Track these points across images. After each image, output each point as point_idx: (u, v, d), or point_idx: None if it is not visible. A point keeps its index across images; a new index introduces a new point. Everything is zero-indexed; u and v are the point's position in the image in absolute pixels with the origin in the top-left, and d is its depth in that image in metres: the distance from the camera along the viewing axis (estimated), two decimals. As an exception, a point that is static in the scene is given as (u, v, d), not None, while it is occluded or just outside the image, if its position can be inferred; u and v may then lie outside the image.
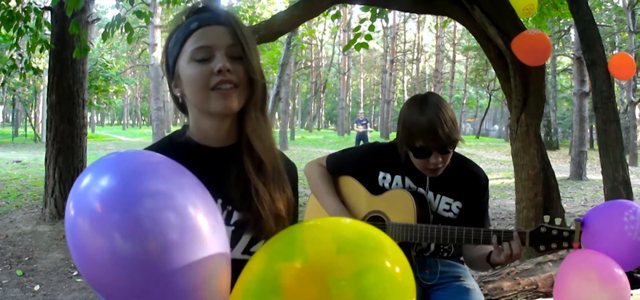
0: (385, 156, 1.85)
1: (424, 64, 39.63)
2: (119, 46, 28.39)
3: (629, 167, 4.66)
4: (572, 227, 1.55)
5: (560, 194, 4.16)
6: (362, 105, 38.84)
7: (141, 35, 19.01)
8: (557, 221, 1.58)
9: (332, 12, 6.09)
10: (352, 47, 5.08)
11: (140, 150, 0.91)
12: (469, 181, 1.81)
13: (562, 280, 1.51)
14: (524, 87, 3.58)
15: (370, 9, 5.06)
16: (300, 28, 13.48)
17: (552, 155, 10.52)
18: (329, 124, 51.55)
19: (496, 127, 33.12)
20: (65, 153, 6.02)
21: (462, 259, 1.90)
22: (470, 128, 31.63)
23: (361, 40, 4.97)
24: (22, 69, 5.84)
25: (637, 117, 14.97)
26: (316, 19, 15.11)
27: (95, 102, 18.85)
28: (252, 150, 1.10)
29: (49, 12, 6.00)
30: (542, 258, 2.59)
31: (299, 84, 37.71)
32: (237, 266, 0.92)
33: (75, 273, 4.43)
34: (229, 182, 1.10)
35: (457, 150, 1.77)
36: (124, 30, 4.72)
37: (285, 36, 12.24)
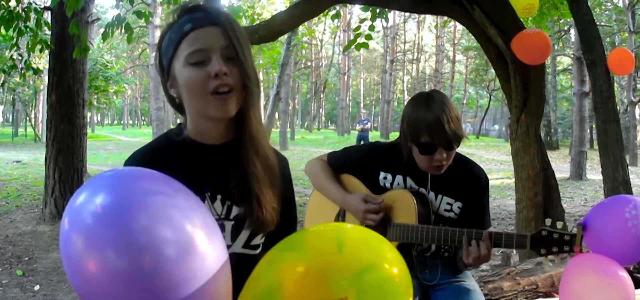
0: (387, 156, 1.85)
1: (424, 64, 39.63)
2: (119, 46, 28.39)
3: (629, 167, 4.67)
4: (573, 231, 1.55)
5: (560, 194, 4.16)
6: (362, 105, 38.85)
7: (141, 35, 19.00)
8: (559, 224, 1.58)
9: (332, 12, 6.10)
10: (352, 47, 5.08)
11: (135, 167, 0.91)
12: (470, 181, 1.81)
13: (566, 284, 1.51)
14: (524, 87, 3.59)
15: (370, 9, 5.06)
16: (300, 28, 13.48)
17: (552, 155, 10.52)
18: (329, 124, 51.55)
19: (496, 127, 33.12)
20: (65, 153, 6.02)
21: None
22: (470, 128, 31.60)
23: (361, 40, 4.97)
24: (22, 69, 5.84)
25: (637, 117, 14.97)
26: (316, 19, 15.10)
27: (95, 102, 18.87)
28: (248, 147, 1.12)
29: (49, 12, 6.00)
30: (542, 258, 2.59)
31: (299, 84, 37.71)
32: (239, 260, 0.93)
33: (75, 273, 4.43)
34: (227, 178, 1.12)
35: (457, 150, 1.77)
36: (124, 30, 4.72)
37: (285, 36, 12.24)
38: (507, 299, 2.45)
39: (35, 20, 5.05)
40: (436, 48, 32.23)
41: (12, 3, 5.00)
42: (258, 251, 1.17)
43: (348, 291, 0.81)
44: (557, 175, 4.21)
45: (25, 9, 5.01)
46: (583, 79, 10.92)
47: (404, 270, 0.88)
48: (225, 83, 1.06)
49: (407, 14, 25.58)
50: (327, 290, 0.82)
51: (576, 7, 3.91)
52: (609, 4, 17.09)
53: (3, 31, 5.85)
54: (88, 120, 8.36)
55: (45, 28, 5.56)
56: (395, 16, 29.21)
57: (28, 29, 5.05)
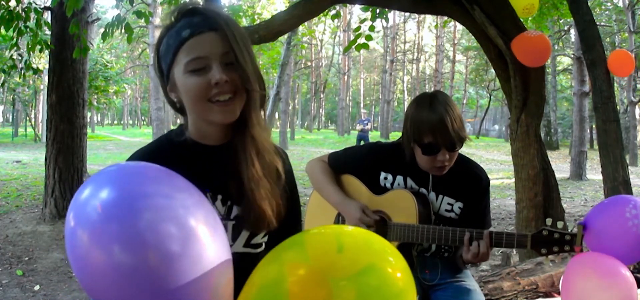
0: (387, 156, 1.86)
1: (424, 64, 39.63)
2: (119, 46, 28.38)
3: (629, 167, 4.67)
4: (574, 230, 1.55)
5: (560, 194, 4.16)
6: (362, 105, 38.84)
7: (141, 35, 18.99)
8: (559, 224, 1.58)
9: (332, 12, 6.09)
10: (352, 47, 5.08)
11: (139, 162, 0.91)
12: (471, 182, 1.81)
13: (568, 283, 1.51)
14: (524, 87, 3.58)
15: (370, 9, 5.06)
16: (300, 28, 13.48)
17: (552, 155, 10.53)
18: (329, 124, 51.54)
19: (496, 127, 33.13)
20: (65, 153, 6.02)
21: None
22: (470, 128, 31.60)
23: (361, 40, 4.97)
24: (22, 69, 5.84)
25: (637, 117, 14.97)
26: (316, 19, 15.09)
27: (95, 102, 18.87)
28: (248, 149, 1.11)
29: (49, 12, 6.00)
30: (542, 258, 2.59)
31: (299, 84, 37.71)
32: (239, 259, 0.93)
33: (75, 273, 4.43)
34: (228, 178, 1.12)
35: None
36: (124, 30, 4.72)
37: (285, 36, 12.24)
38: (507, 299, 2.45)
39: (35, 20, 5.05)
40: (436, 48, 32.23)
41: (12, 3, 5.00)
42: (260, 250, 1.17)
43: (348, 291, 0.81)
44: (557, 175, 4.21)
45: (25, 9, 5.01)
46: (583, 79, 10.92)
47: (405, 271, 0.87)
48: (226, 91, 1.05)
49: (407, 14, 25.58)
50: (328, 290, 0.82)
51: (576, 7, 3.90)
52: (609, 4, 17.09)
53: (3, 31, 5.85)
54: (88, 120, 8.36)
55: (45, 28, 5.56)
56: (395, 16, 29.22)
57: (28, 29, 5.05)
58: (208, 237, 0.82)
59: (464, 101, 33.77)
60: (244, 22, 13.47)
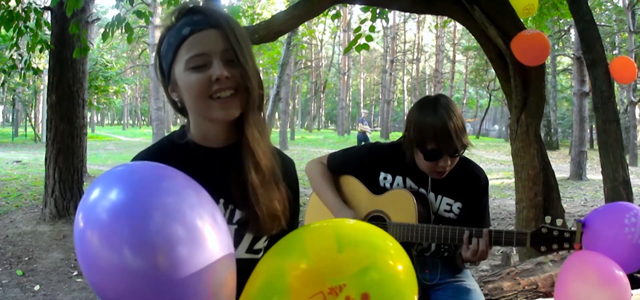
0: (387, 157, 1.86)
1: (424, 64, 39.62)
2: (119, 46, 28.38)
3: (629, 167, 4.66)
4: (573, 228, 1.55)
5: (560, 194, 4.16)
6: (362, 105, 38.83)
7: (141, 35, 19.00)
8: (558, 222, 1.58)
9: (332, 12, 6.10)
10: (353, 47, 5.08)
11: (148, 162, 0.91)
12: (470, 182, 1.81)
13: (563, 282, 1.50)
14: (524, 87, 3.58)
15: (371, 9, 5.06)
16: (300, 28, 13.47)
17: (552, 155, 10.52)
18: (329, 124, 51.53)
19: (496, 127, 33.12)
20: (65, 153, 6.02)
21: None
22: (470, 128, 31.58)
23: (362, 41, 4.97)
24: (22, 69, 5.85)
25: (637, 117, 14.97)
26: (316, 19, 15.09)
27: (95, 102, 18.87)
28: (249, 151, 1.10)
29: (49, 12, 6.00)
30: (542, 258, 2.59)
31: (299, 84, 37.69)
32: (242, 265, 0.92)
33: (75, 273, 4.43)
34: (230, 182, 1.11)
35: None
36: (124, 30, 4.72)
37: (285, 36, 12.24)
38: (507, 299, 2.45)
39: (35, 20, 5.05)
40: (436, 48, 32.22)
41: (12, 3, 5.00)
42: (260, 256, 1.16)
43: (348, 291, 0.81)
44: (557, 175, 4.21)
45: (25, 9, 5.01)
46: (583, 79, 10.92)
47: (408, 267, 0.87)
48: (227, 87, 1.05)
49: (407, 14, 25.58)
50: (328, 291, 0.82)
51: (576, 7, 3.90)
52: (609, 4, 17.09)
53: (3, 31, 5.86)
54: (88, 120, 8.36)
55: (45, 28, 5.56)
56: (395, 16, 29.21)
57: (28, 29, 5.06)
58: (214, 239, 0.82)
59: (464, 101, 33.76)
60: (244, 22, 13.47)
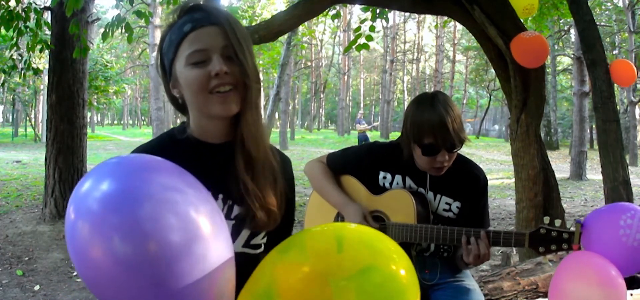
0: (386, 156, 1.86)
1: (424, 64, 39.62)
2: (119, 46, 28.39)
3: (629, 167, 4.66)
4: (571, 229, 1.54)
5: (560, 194, 4.15)
6: (362, 104, 38.83)
7: (141, 35, 19.01)
8: (557, 222, 1.57)
9: (332, 12, 6.09)
10: (353, 47, 5.08)
11: (141, 154, 0.91)
12: (469, 181, 1.81)
13: (558, 281, 1.50)
14: (524, 87, 3.58)
15: (370, 9, 5.06)
16: (300, 28, 13.48)
17: (552, 155, 10.53)
18: (329, 124, 51.53)
19: (496, 127, 33.12)
20: (65, 153, 6.02)
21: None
22: (470, 128, 31.59)
23: (362, 40, 4.97)
24: (22, 69, 5.84)
25: (637, 117, 14.97)
26: (316, 19, 15.10)
27: (95, 102, 18.87)
28: (245, 147, 1.12)
29: (49, 12, 6.00)
30: (542, 258, 2.58)
31: (299, 84, 37.69)
32: (239, 259, 0.93)
33: (75, 273, 4.43)
34: (229, 178, 1.12)
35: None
36: (124, 30, 4.72)
37: (285, 36, 12.24)
38: (507, 299, 2.45)
39: (35, 20, 5.05)
40: (436, 48, 32.22)
41: (12, 3, 5.00)
42: (259, 251, 1.18)
43: (348, 291, 0.81)
44: (557, 175, 4.21)
45: (25, 9, 5.01)
46: (583, 79, 10.92)
47: (409, 269, 0.87)
48: (226, 82, 1.07)
49: (407, 14, 25.58)
50: (328, 291, 0.81)
51: (576, 7, 3.90)
52: (609, 4, 17.09)
53: (3, 31, 5.85)
54: (88, 120, 8.36)
55: (45, 28, 5.55)
56: (395, 16, 29.21)
57: (28, 29, 5.05)
58: (210, 231, 0.81)
59: (464, 101, 33.76)
60: (243, 23, 13.47)
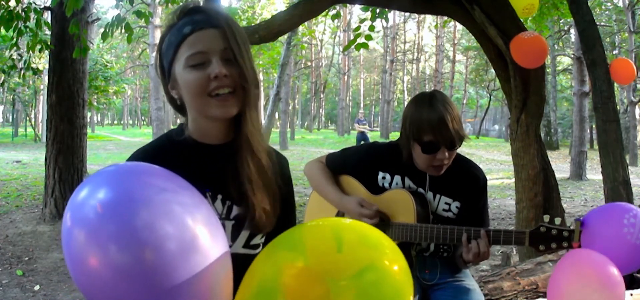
0: (385, 156, 1.86)
1: (424, 64, 39.63)
2: (119, 46, 28.38)
3: (629, 167, 4.66)
4: (571, 227, 1.55)
5: (560, 194, 4.15)
6: (362, 104, 38.83)
7: (141, 35, 19.00)
8: (557, 221, 1.58)
9: (332, 12, 6.09)
10: (352, 47, 5.08)
11: (137, 162, 0.91)
12: (468, 181, 1.82)
13: (556, 279, 1.50)
14: (524, 87, 3.58)
15: (370, 9, 5.06)
16: (300, 28, 13.47)
17: (552, 155, 10.53)
18: (329, 124, 51.53)
19: (496, 127, 33.12)
20: (65, 153, 6.02)
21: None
22: (470, 128, 31.59)
23: (361, 40, 4.97)
24: (22, 69, 5.84)
25: (637, 117, 14.97)
26: (316, 19, 15.09)
27: (95, 102, 18.87)
28: (247, 147, 1.13)
29: (49, 12, 6.00)
30: (542, 258, 2.59)
31: (299, 84, 37.68)
32: (239, 260, 0.93)
33: (75, 273, 4.43)
34: (227, 178, 1.13)
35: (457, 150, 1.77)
36: (124, 30, 4.72)
37: (285, 36, 12.23)
38: (507, 299, 2.45)
39: (35, 20, 5.05)
40: (436, 48, 32.22)
41: (12, 3, 5.00)
42: (258, 251, 1.18)
43: (348, 291, 0.81)
44: (557, 175, 4.21)
45: (25, 9, 5.01)
46: (583, 79, 10.93)
47: (404, 267, 0.87)
48: (225, 84, 1.07)
49: (407, 14, 25.58)
50: (326, 291, 0.81)
51: (576, 7, 3.90)
52: (609, 4, 17.09)
53: (3, 31, 5.85)
54: (88, 120, 8.36)
55: (45, 28, 5.55)
56: (395, 16, 29.21)
57: (28, 29, 5.05)
58: (207, 237, 0.81)
59: (464, 101, 33.76)
60: (243, 23, 13.47)
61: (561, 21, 11.33)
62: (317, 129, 41.65)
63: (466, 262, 1.69)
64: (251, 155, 1.13)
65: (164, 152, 1.14)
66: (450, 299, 1.78)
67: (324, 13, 5.93)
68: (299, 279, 0.83)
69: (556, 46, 17.49)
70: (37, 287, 4.12)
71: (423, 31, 35.93)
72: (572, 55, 12.65)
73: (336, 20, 12.94)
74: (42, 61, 12.74)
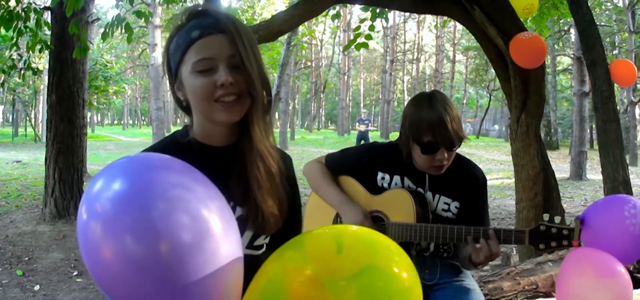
0: (384, 156, 1.86)
1: (424, 64, 39.63)
2: (119, 46, 28.38)
3: (629, 167, 4.66)
4: (571, 225, 1.55)
5: (560, 194, 4.15)
6: (362, 104, 38.82)
7: (141, 35, 19.01)
8: (557, 219, 1.58)
9: (332, 12, 6.08)
10: (352, 47, 5.08)
11: (152, 153, 0.91)
12: (468, 181, 1.81)
13: (564, 279, 1.50)
14: (524, 87, 3.58)
15: (370, 9, 5.06)
16: (300, 28, 13.47)
17: (552, 155, 10.52)
18: (329, 124, 51.53)
19: (496, 127, 33.13)
20: (65, 153, 6.02)
21: (461, 259, 1.90)
22: (470, 128, 31.60)
23: (361, 40, 4.97)
24: (22, 69, 5.84)
25: (637, 117, 14.97)
26: (316, 19, 15.10)
27: (95, 102, 18.87)
28: (250, 152, 1.13)
29: (49, 12, 6.00)
30: (542, 258, 2.59)
31: (299, 84, 37.69)
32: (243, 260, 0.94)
33: (75, 273, 4.43)
34: (231, 180, 1.13)
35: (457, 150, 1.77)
36: (124, 30, 4.72)
37: (285, 36, 12.23)
38: (507, 299, 2.45)
39: (35, 20, 5.05)
40: (436, 48, 32.23)
41: (12, 3, 5.00)
42: (261, 252, 1.19)
43: (348, 292, 0.81)
44: (557, 175, 4.21)
45: (25, 9, 5.01)
46: (583, 79, 10.93)
47: (410, 269, 0.87)
48: (231, 92, 1.08)
49: (407, 14, 25.58)
50: (327, 292, 0.81)
51: (576, 7, 3.90)
52: (609, 4, 17.10)
53: (3, 31, 5.85)
54: (88, 120, 8.36)
55: (45, 28, 5.56)
56: (395, 16, 29.21)
57: (28, 29, 5.05)
58: (221, 229, 0.82)
59: (464, 101, 33.77)
60: (243, 22, 13.44)
61: (561, 21, 11.32)
62: (317, 129, 41.64)
63: (476, 265, 1.68)
64: (259, 159, 1.13)
65: (169, 154, 1.14)
66: (450, 299, 1.78)
67: (324, 13, 5.93)
68: (301, 281, 0.83)
69: (556, 46, 17.49)
70: (37, 287, 4.12)
71: (423, 31, 35.94)
72: (572, 55, 12.65)
73: (336, 20, 12.94)
74: (42, 61, 12.73)
